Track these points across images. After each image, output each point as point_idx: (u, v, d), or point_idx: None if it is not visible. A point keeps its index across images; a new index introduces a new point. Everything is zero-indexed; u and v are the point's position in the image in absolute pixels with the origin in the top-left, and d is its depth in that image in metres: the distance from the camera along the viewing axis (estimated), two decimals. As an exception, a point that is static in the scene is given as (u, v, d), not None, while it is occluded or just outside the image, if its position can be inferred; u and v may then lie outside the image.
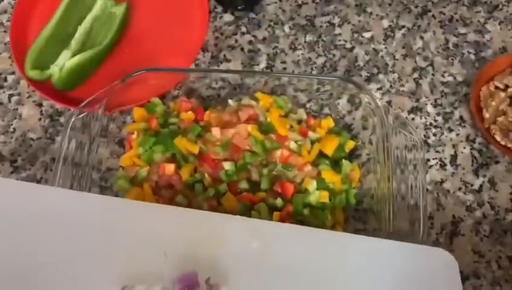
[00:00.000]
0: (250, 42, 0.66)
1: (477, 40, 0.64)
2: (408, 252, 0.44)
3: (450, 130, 0.60)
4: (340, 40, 0.65)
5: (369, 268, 0.43)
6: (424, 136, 0.59)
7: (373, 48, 0.65)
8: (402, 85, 0.62)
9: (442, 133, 0.59)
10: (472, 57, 0.64)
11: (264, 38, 0.66)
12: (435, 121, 0.60)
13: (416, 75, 0.63)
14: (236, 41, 0.66)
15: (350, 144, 0.56)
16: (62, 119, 0.62)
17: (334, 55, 0.64)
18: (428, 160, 0.58)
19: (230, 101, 0.57)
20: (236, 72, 0.62)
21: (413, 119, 0.60)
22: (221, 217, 0.45)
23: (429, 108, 0.61)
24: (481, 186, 0.57)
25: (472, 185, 0.57)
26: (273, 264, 0.42)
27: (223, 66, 0.64)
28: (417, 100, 0.61)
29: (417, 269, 0.43)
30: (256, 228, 0.44)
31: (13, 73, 0.65)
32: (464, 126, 0.60)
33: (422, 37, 0.65)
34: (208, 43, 0.66)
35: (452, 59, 0.64)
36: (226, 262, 0.42)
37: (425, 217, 0.49)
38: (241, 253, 0.43)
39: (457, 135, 0.59)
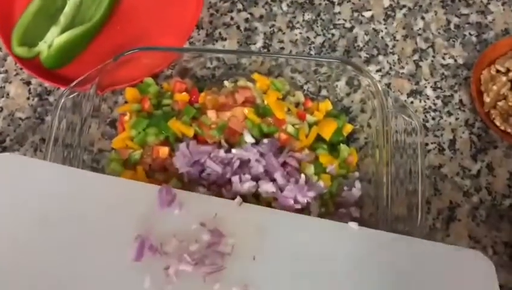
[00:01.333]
0: (246, 20, 0.63)
1: (479, 22, 0.63)
2: (441, 253, 0.43)
3: (449, 114, 0.59)
4: (339, 19, 0.63)
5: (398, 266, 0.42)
6: (423, 120, 0.58)
7: (373, 28, 0.63)
8: (402, 67, 0.61)
9: (441, 117, 0.58)
10: (474, 39, 0.62)
11: (261, 16, 0.64)
12: (434, 104, 0.59)
13: (416, 57, 0.61)
14: (232, 18, 0.64)
15: (348, 128, 0.55)
16: (51, 98, 0.60)
17: (333, 34, 0.63)
18: (426, 144, 0.57)
19: (226, 83, 0.55)
20: (233, 52, 0.60)
21: (412, 102, 0.59)
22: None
23: (429, 91, 0.60)
24: (479, 171, 0.56)
25: (470, 170, 0.56)
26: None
27: (218, 45, 0.62)
28: (417, 83, 0.60)
29: (451, 274, 0.41)
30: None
31: (-1, 49, 0.63)
32: (464, 110, 0.59)
33: (423, 17, 0.63)
34: (203, 20, 0.63)
35: (453, 41, 0.62)
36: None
37: (423, 203, 0.48)
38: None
39: (457, 119, 0.58)
